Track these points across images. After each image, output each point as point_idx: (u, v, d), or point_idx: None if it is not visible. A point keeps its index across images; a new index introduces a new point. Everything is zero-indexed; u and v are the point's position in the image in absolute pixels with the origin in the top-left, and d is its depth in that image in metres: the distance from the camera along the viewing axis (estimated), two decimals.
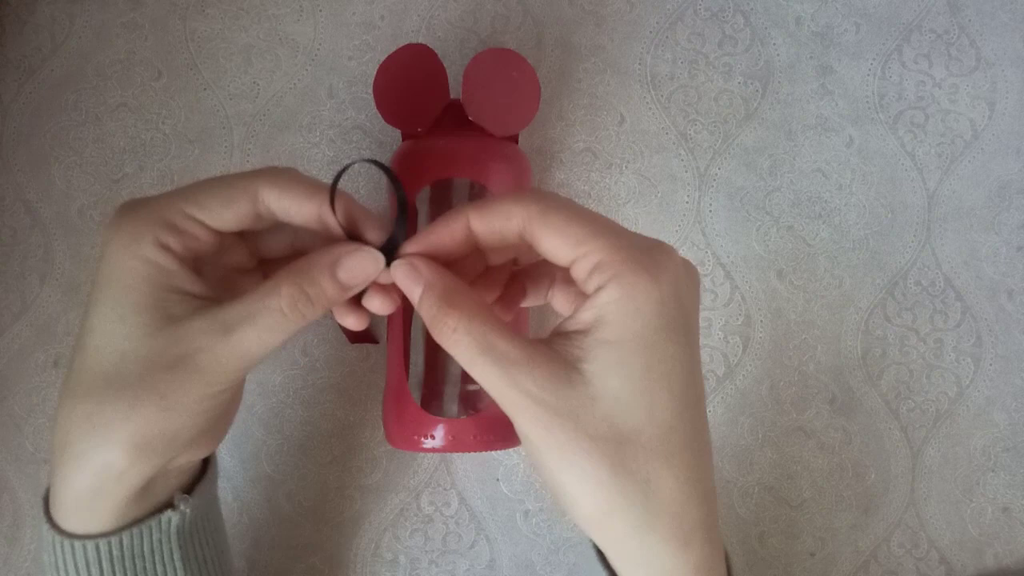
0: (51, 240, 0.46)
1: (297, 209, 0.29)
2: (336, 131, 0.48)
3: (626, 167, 0.48)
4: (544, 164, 0.48)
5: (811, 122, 0.49)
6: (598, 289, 0.25)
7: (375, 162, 0.29)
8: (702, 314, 0.47)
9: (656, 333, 0.25)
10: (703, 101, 0.49)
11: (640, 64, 0.49)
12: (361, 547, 0.45)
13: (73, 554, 0.29)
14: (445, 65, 0.43)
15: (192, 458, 0.31)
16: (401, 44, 0.43)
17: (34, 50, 0.48)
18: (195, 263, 0.29)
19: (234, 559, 0.38)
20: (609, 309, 0.25)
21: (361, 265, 0.28)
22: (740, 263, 0.48)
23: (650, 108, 0.49)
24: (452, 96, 0.44)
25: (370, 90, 0.43)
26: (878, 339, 0.48)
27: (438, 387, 0.42)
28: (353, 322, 0.31)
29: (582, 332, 0.26)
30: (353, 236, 0.29)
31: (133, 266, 0.27)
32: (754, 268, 0.48)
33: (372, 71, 0.43)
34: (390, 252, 0.28)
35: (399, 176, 0.42)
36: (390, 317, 0.42)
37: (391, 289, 0.30)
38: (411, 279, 0.27)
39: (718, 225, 0.48)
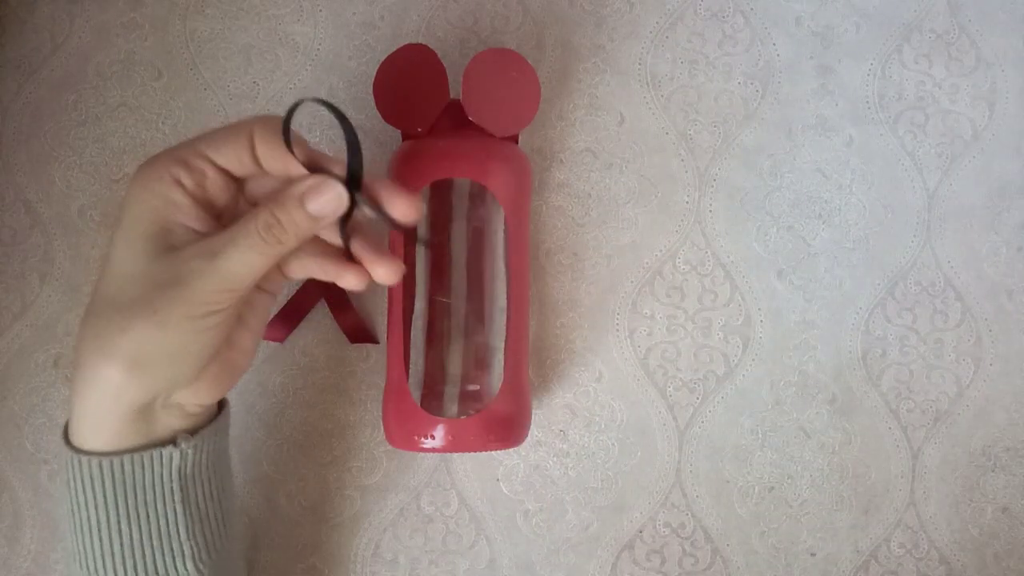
0: (51, 240, 0.46)
1: (279, 159, 0.32)
2: (336, 131, 0.48)
3: (626, 167, 0.48)
4: (544, 164, 0.48)
5: (811, 122, 0.49)
6: None
7: (322, 101, 0.31)
8: (702, 314, 0.47)
9: None
10: (703, 101, 0.49)
11: (640, 64, 0.49)
12: (361, 547, 0.45)
13: (80, 469, 0.32)
14: (445, 65, 0.43)
15: (194, 400, 0.33)
16: (401, 44, 0.43)
17: (34, 50, 0.48)
18: (207, 205, 0.32)
19: (240, 544, 0.39)
20: None
21: (325, 194, 0.31)
22: (740, 263, 0.48)
23: (650, 108, 0.49)
24: (452, 96, 0.44)
25: (370, 90, 0.43)
26: (878, 339, 0.48)
27: (438, 387, 0.42)
28: (353, 280, 0.34)
29: None
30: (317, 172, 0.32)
31: (146, 199, 0.31)
32: (754, 268, 0.48)
33: (372, 71, 0.43)
34: (352, 188, 0.32)
35: (399, 176, 0.42)
36: (390, 317, 0.42)
37: (394, 256, 0.34)
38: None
39: (718, 225, 0.48)
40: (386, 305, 0.43)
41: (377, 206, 0.32)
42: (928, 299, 0.48)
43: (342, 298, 0.45)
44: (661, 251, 0.48)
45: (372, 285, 0.35)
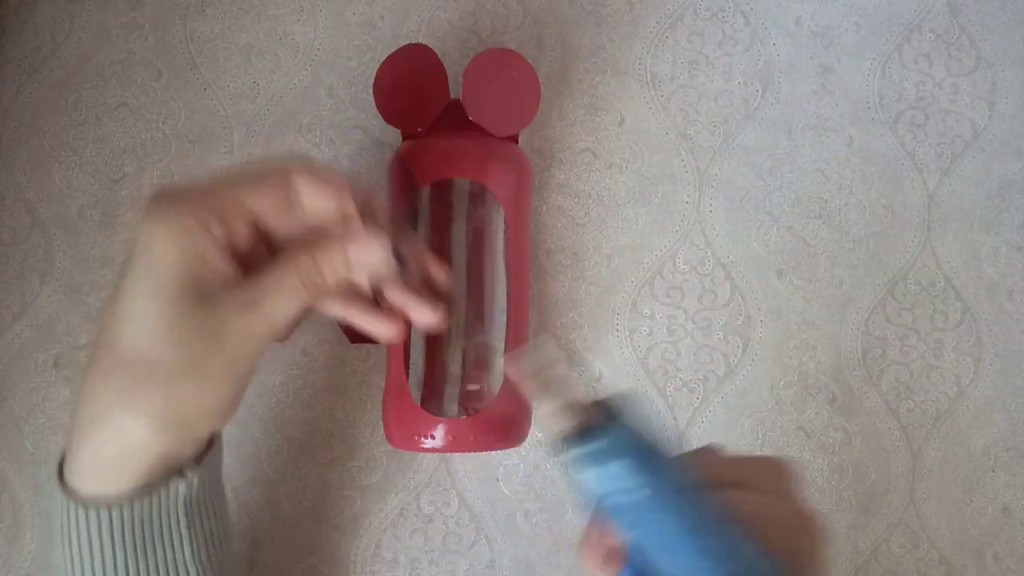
0: (51, 240, 0.46)
1: (325, 205, 0.31)
2: (336, 131, 0.48)
3: (626, 167, 0.48)
4: (544, 164, 0.48)
5: (811, 122, 0.49)
6: None
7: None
8: (702, 314, 0.47)
9: None
10: (703, 101, 0.49)
11: (640, 64, 0.49)
12: (361, 547, 0.45)
13: (87, 519, 0.30)
14: (445, 65, 0.43)
15: (208, 430, 0.32)
16: (401, 44, 0.43)
17: (34, 50, 0.48)
18: (232, 250, 0.31)
19: (236, 543, 0.39)
20: None
21: (370, 249, 0.31)
22: (740, 263, 0.48)
23: (650, 108, 0.49)
24: (452, 96, 0.44)
25: (370, 90, 0.43)
26: (878, 339, 0.48)
27: (438, 387, 0.42)
28: (383, 330, 0.34)
29: None
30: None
31: (176, 253, 0.29)
32: (754, 268, 0.48)
33: (372, 71, 0.43)
34: (397, 258, 0.31)
35: (401, 175, 0.42)
36: None
37: (432, 300, 0.33)
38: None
39: (718, 225, 0.48)
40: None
41: (409, 261, 0.32)
42: (928, 299, 0.48)
43: None
44: (661, 251, 0.48)
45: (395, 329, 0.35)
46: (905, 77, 0.50)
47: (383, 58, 0.42)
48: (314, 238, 0.31)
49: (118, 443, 0.29)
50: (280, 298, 0.30)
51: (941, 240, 0.49)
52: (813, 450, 0.47)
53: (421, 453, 0.46)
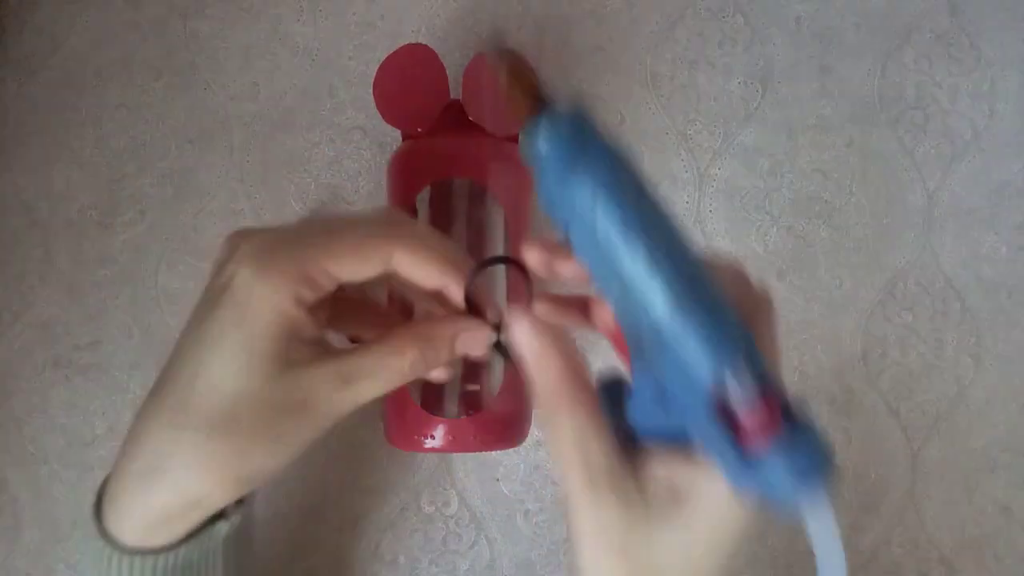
0: (51, 240, 0.46)
1: (427, 279, 0.30)
2: (336, 131, 0.48)
3: None
4: None
5: (811, 122, 0.49)
6: (709, 476, 0.26)
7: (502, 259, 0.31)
8: None
9: (733, 542, 0.27)
10: (703, 101, 0.49)
11: (640, 64, 0.49)
12: (361, 547, 0.45)
13: (130, 567, 0.29)
14: (445, 65, 0.43)
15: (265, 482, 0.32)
16: (401, 44, 0.43)
17: (34, 50, 0.48)
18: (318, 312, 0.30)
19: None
20: (711, 501, 0.26)
21: (477, 341, 0.31)
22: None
23: (650, 108, 0.49)
24: (452, 96, 0.44)
25: (370, 90, 0.43)
26: (878, 339, 0.48)
27: (438, 387, 0.42)
28: (437, 375, 0.33)
29: (672, 490, 0.26)
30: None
31: (270, 318, 0.27)
32: (754, 268, 0.48)
33: (372, 71, 0.43)
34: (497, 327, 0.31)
35: (400, 176, 0.42)
36: None
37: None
38: (526, 349, 0.29)
39: (718, 225, 0.48)
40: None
41: (508, 350, 0.31)
42: (928, 299, 0.48)
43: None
44: None
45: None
46: (905, 77, 0.50)
47: (383, 58, 0.42)
48: (423, 324, 0.31)
49: (176, 498, 0.28)
50: (377, 382, 0.29)
51: (941, 240, 0.49)
52: None
53: (421, 453, 0.45)
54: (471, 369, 0.43)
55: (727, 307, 0.23)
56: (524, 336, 0.29)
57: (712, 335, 0.22)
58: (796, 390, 0.47)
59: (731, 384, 0.22)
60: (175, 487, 0.28)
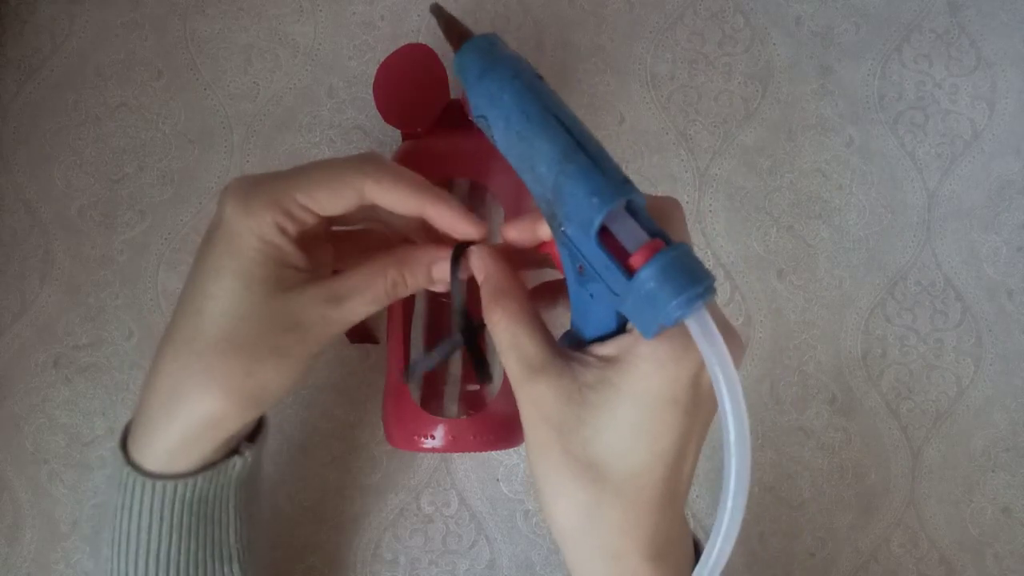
0: (51, 240, 0.46)
1: (402, 204, 0.32)
2: (336, 131, 0.48)
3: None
4: None
5: (811, 122, 0.49)
6: (637, 340, 0.28)
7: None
8: None
9: (662, 403, 0.27)
10: (703, 101, 0.49)
11: (640, 64, 0.49)
12: (361, 547, 0.45)
13: (152, 493, 0.32)
14: (445, 65, 0.43)
15: (273, 405, 0.34)
16: (401, 44, 0.43)
17: (34, 50, 0.48)
18: (305, 243, 0.32)
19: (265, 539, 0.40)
20: (635, 364, 0.27)
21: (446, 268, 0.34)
22: (740, 263, 0.48)
23: (650, 108, 0.49)
24: (452, 96, 0.44)
25: (370, 90, 0.43)
26: (878, 339, 0.48)
27: (438, 387, 0.42)
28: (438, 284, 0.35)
29: (604, 362, 0.28)
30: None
31: (254, 244, 0.30)
32: (754, 268, 0.48)
33: (372, 71, 0.43)
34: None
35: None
36: (390, 317, 0.42)
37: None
38: (477, 269, 0.33)
39: (718, 225, 0.48)
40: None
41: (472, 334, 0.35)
42: (928, 299, 0.48)
43: None
44: None
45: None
46: (905, 77, 0.50)
47: (383, 58, 0.42)
48: (404, 248, 0.34)
49: (195, 420, 0.31)
50: (363, 301, 0.32)
51: (941, 240, 0.49)
52: (813, 450, 0.47)
53: (421, 453, 0.45)
54: (471, 369, 0.43)
55: (614, 161, 0.27)
56: (476, 258, 0.32)
57: (596, 174, 0.26)
58: (796, 390, 0.47)
59: (616, 214, 0.26)
60: (193, 410, 0.31)
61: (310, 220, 0.32)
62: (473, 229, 0.33)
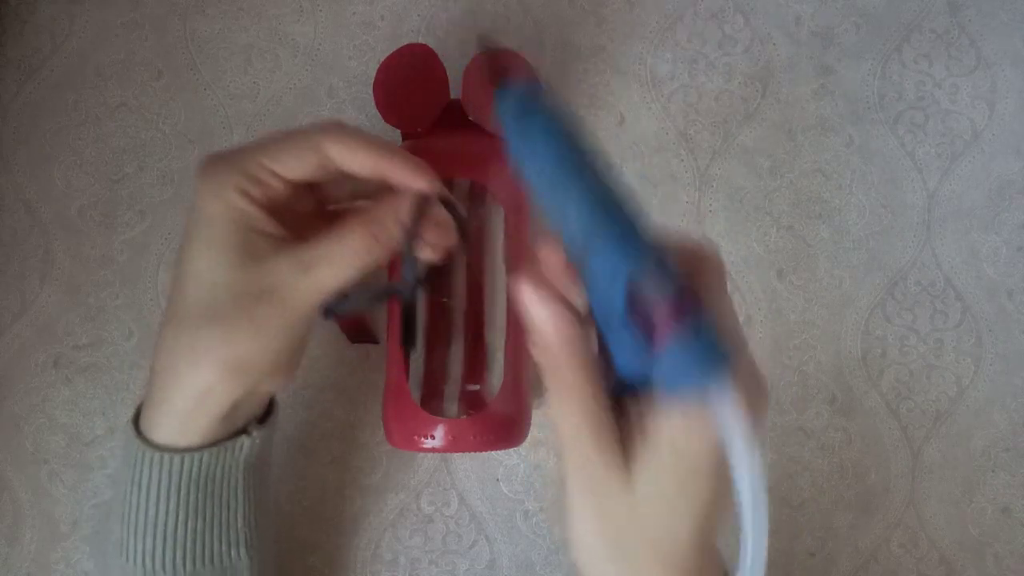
0: (51, 240, 0.46)
1: (359, 164, 0.32)
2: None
3: (626, 167, 0.48)
4: None
5: (811, 122, 0.49)
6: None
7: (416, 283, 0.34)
8: None
9: (696, 473, 0.26)
10: (703, 101, 0.49)
11: (640, 64, 0.49)
12: (361, 547, 0.45)
13: (161, 465, 0.32)
14: (445, 65, 0.43)
15: (269, 388, 0.35)
16: (401, 44, 0.43)
17: (34, 50, 0.48)
18: (272, 209, 0.32)
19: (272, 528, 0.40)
20: (673, 435, 0.26)
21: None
22: (740, 263, 0.48)
23: (650, 108, 0.49)
24: (452, 96, 0.44)
25: (370, 90, 0.43)
26: (878, 339, 0.48)
27: (438, 387, 0.42)
28: (428, 254, 0.35)
29: (641, 426, 0.27)
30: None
31: (220, 211, 0.31)
32: (754, 268, 0.48)
33: (372, 71, 0.43)
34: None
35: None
36: (390, 317, 0.42)
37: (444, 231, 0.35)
38: (533, 329, 0.29)
39: (718, 225, 0.48)
40: (386, 305, 0.43)
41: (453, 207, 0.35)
42: (928, 299, 0.48)
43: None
44: None
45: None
46: (905, 77, 0.50)
47: (383, 58, 0.42)
48: (369, 205, 0.33)
49: (190, 392, 0.32)
50: (334, 265, 0.32)
51: (941, 240, 0.49)
52: (813, 450, 0.47)
53: (421, 453, 0.46)
54: (471, 369, 0.43)
55: (643, 227, 0.26)
56: (531, 304, 0.28)
57: (621, 241, 0.26)
58: (796, 390, 0.47)
59: (642, 285, 0.25)
60: (184, 383, 0.31)
61: (275, 183, 0.32)
62: (425, 184, 0.33)
